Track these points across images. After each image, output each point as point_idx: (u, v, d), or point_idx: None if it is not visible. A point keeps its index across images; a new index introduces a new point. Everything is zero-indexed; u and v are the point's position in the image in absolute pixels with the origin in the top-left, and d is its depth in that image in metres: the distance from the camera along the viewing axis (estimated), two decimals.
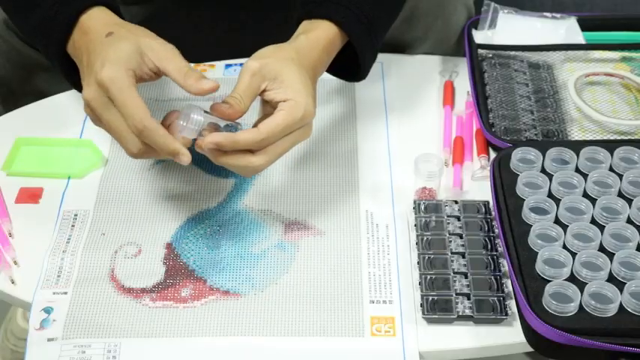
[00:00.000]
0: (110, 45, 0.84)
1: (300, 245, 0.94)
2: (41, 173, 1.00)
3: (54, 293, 0.89)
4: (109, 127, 0.84)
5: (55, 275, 0.90)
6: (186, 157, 0.82)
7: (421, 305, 0.86)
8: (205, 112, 0.84)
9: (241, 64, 1.16)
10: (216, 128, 0.84)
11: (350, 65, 0.96)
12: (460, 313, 0.85)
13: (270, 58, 0.85)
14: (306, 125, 0.85)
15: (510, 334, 0.85)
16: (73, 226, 0.96)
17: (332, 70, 0.96)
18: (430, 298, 0.86)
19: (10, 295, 0.90)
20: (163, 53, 0.86)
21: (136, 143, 0.83)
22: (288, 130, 0.83)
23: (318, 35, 0.91)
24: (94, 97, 0.83)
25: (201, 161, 1.03)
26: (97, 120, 0.85)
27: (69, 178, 1.00)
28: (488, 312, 0.85)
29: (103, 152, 1.02)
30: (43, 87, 1.14)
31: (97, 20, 0.87)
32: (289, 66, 0.85)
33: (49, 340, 0.85)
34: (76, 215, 0.97)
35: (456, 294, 0.87)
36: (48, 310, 0.87)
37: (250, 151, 0.83)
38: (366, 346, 0.84)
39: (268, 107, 0.86)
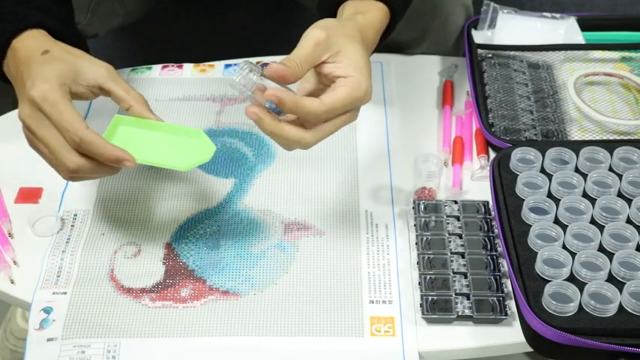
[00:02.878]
0: (43, 63, 0.84)
1: (300, 245, 0.94)
2: (142, 159, 0.85)
3: (53, 293, 0.89)
4: (45, 143, 0.82)
5: (54, 275, 0.90)
6: (130, 162, 0.81)
7: (421, 305, 0.86)
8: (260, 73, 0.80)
9: None
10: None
11: None
12: (460, 313, 0.85)
13: (335, 30, 0.82)
14: (356, 109, 0.82)
15: (510, 334, 0.85)
16: (72, 226, 0.96)
17: None
18: (430, 298, 0.86)
19: (9, 295, 0.90)
20: (103, 71, 0.86)
21: (74, 158, 0.81)
22: (346, 108, 0.80)
23: (374, 17, 0.88)
24: (28, 114, 0.82)
25: None
26: (34, 139, 0.84)
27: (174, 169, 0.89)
28: (488, 312, 0.85)
29: (215, 148, 0.88)
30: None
31: (29, 42, 0.87)
32: (353, 43, 0.82)
33: (48, 340, 0.85)
34: (75, 215, 0.97)
35: (456, 294, 0.87)
36: (47, 310, 0.87)
37: (302, 126, 0.80)
38: (366, 346, 0.84)
39: (322, 81, 0.83)
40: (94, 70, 0.86)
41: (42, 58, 0.84)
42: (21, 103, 0.83)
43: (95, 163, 0.82)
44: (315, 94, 0.82)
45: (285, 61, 0.79)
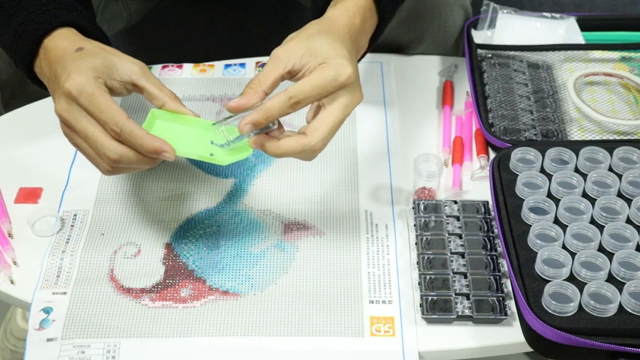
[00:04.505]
0: (78, 59, 0.83)
1: (300, 245, 0.94)
2: (182, 152, 0.84)
3: (53, 293, 0.89)
4: (84, 135, 0.81)
5: (54, 275, 0.90)
6: (169, 154, 0.80)
7: (420, 305, 0.86)
8: (229, 117, 0.83)
9: (241, 64, 1.17)
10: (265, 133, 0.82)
11: None
12: (459, 313, 0.85)
13: (293, 40, 0.83)
14: (348, 88, 0.81)
15: (510, 334, 0.85)
16: (72, 226, 0.96)
17: None
18: (429, 298, 0.86)
19: (9, 295, 0.90)
20: (137, 68, 0.85)
21: (115, 147, 0.80)
22: (321, 90, 0.80)
23: (347, 5, 0.88)
24: (65, 108, 0.81)
25: (201, 161, 1.03)
26: (71, 133, 0.83)
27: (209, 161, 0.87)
28: (488, 312, 0.85)
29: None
30: (46, 91, 1.14)
31: (61, 41, 0.86)
32: (313, 39, 0.83)
33: (48, 340, 0.85)
34: (75, 215, 0.97)
35: (456, 294, 0.87)
36: (47, 310, 0.87)
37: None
38: (366, 346, 0.84)
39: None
40: (128, 66, 0.85)
41: (76, 55, 0.84)
42: (57, 98, 0.83)
43: (136, 152, 0.81)
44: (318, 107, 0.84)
45: (244, 89, 0.81)
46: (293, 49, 0.82)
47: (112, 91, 0.85)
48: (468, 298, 0.86)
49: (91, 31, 0.90)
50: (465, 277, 0.88)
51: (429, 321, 0.86)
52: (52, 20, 0.87)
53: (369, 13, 0.90)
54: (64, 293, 0.89)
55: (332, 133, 0.82)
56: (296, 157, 0.82)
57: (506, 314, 0.85)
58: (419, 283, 0.88)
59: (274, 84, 0.82)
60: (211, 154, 0.84)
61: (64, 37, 0.87)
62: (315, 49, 0.82)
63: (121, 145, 0.80)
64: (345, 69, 0.80)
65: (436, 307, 0.86)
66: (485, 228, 0.93)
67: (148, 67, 1.14)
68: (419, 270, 0.89)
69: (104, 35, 0.93)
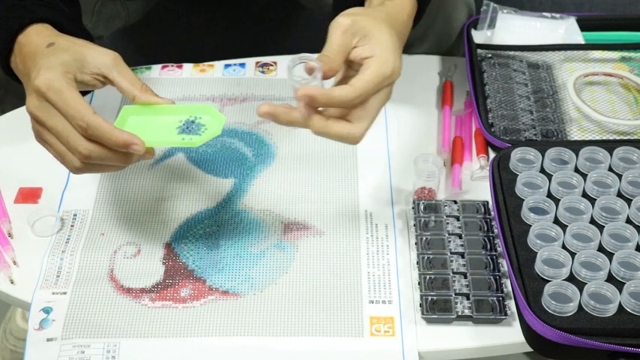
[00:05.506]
0: (48, 54, 0.83)
1: (300, 245, 0.94)
2: (153, 142, 0.83)
3: (53, 293, 0.89)
4: (55, 132, 0.81)
5: (54, 275, 0.90)
6: (139, 147, 0.79)
7: (420, 305, 0.86)
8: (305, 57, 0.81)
9: (241, 64, 1.17)
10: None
11: None
12: (459, 313, 0.85)
13: (361, 16, 0.83)
14: (389, 86, 0.83)
15: (509, 334, 0.85)
16: (72, 226, 0.96)
17: None
18: (429, 298, 0.86)
19: (9, 295, 0.90)
20: (109, 60, 0.85)
21: (84, 144, 0.79)
22: (378, 87, 0.80)
23: (404, 3, 0.90)
24: (35, 105, 0.81)
25: (201, 161, 1.03)
26: (42, 130, 0.82)
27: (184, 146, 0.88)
28: (488, 312, 0.85)
29: (225, 118, 0.86)
30: None
31: (35, 37, 0.86)
32: (379, 24, 0.83)
33: (48, 340, 0.85)
34: (75, 215, 0.97)
35: (456, 294, 0.87)
36: (47, 310, 0.87)
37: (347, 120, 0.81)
38: (366, 346, 0.84)
39: (353, 67, 0.83)
40: (99, 58, 0.84)
41: (47, 50, 0.84)
42: (28, 95, 0.82)
43: (106, 148, 0.80)
44: (344, 82, 0.82)
45: (319, 58, 0.80)
46: (360, 27, 0.81)
47: (85, 85, 0.84)
48: (468, 298, 0.86)
49: (68, 28, 0.89)
50: (465, 277, 0.88)
51: (429, 321, 0.86)
52: (28, 16, 0.87)
53: (414, 11, 0.92)
54: (64, 293, 0.89)
55: (371, 124, 0.82)
56: (336, 139, 0.82)
57: (506, 314, 0.85)
58: (419, 283, 0.88)
59: (343, 61, 0.81)
60: (183, 139, 0.83)
61: (38, 34, 0.86)
62: (376, 36, 0.81)
63: (90, 142, 0.80)
64: (399, 67, 0.82)
65: (436, 307, 0.86)
66: (485, 228, 0.93)
67: (148, 67, 1.14)
68: (419, 270, 0.89)
69: (84, 33, 0.93)
